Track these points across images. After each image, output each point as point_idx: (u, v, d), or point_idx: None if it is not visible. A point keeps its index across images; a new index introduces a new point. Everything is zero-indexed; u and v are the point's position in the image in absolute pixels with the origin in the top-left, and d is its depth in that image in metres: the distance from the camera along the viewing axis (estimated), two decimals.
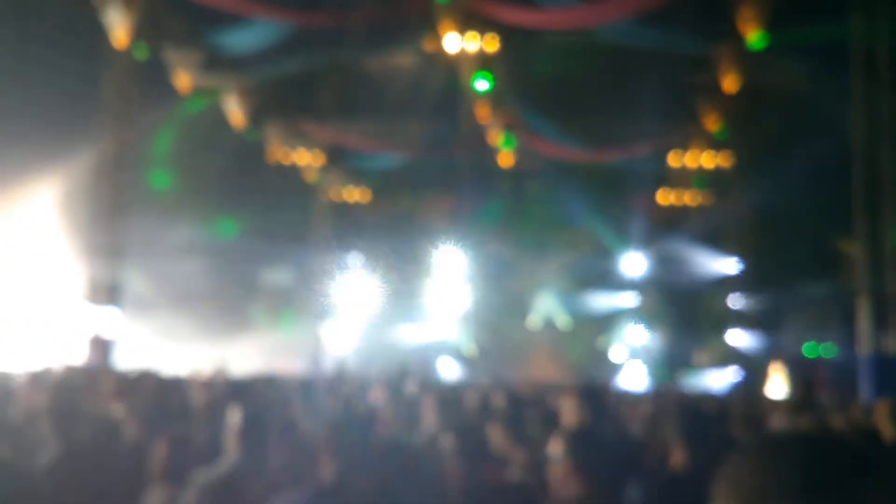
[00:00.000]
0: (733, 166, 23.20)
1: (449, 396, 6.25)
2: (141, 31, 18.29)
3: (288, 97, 22.85)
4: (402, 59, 22.19)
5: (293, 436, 5.21)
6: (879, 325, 16.37)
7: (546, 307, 28.20)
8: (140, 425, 5.96)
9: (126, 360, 16.04)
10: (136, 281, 18.50)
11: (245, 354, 18.36)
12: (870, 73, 17.09)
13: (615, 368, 26.10)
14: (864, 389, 15.26)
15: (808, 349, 19.34)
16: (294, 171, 25.62)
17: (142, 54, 18.59)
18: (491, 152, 24.98)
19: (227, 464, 4.53)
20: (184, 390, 8.14)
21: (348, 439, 3.90)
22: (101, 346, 16.67)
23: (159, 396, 7.75)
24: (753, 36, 18.80)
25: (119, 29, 18.00)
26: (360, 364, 22.43)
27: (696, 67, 21.47)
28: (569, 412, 4.76)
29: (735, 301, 22.21)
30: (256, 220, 22.96)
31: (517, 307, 28.30)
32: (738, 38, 19.25)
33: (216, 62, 20.43)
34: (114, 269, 17.41)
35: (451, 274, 27.09)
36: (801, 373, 16.73)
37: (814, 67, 19.09)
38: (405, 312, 26.87)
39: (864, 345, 16.31)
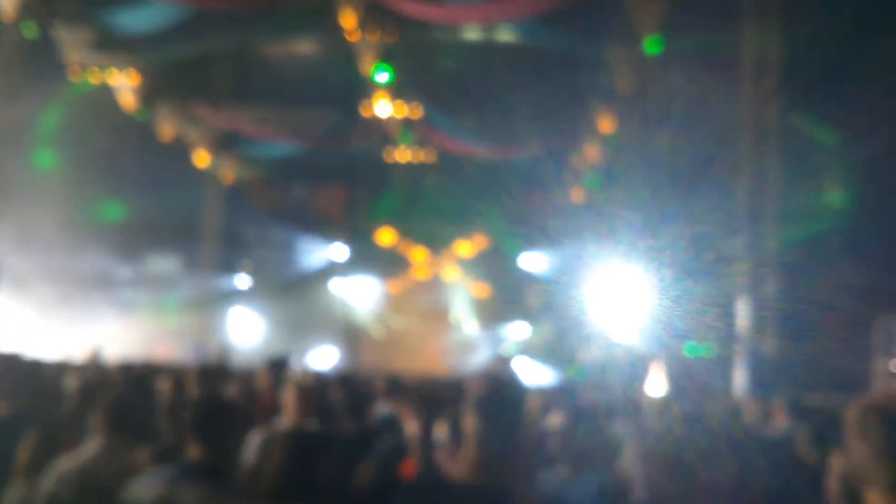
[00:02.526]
0: (624, 168, 23.57)
1: None
2: (30, 8, 17.76)
3: (181, 80, 22.42)
4: (301, 47, 21.98)
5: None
6: (758, 328, 16.91)
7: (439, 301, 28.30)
8: (9, 409, 5.81)
9: (2, 340, 15.60)
10: (16, 261, 17.99)
11: (126, 339, 18.05)
12: (758, 81, 17.60)
13: (505, 364, 26.34)
14: (739, 390, 15.74)
15: (689, 349, 19.76)
16: (185, 155, 25.17)
17: (30, 32, 18.06)
18: (388, 145, 24.93)
19: (91, 449, 4.44)
20: (57, 374, 7.95)
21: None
22: None
23: (29, 380, 7.54)
24: (649, 40, 19.14)
25: (7, 5, 17.44)
26: (255, 352, 22.19)
27: (593, 69, 21.77)
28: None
29: (621, 300, 22.56)
30: (145, 203, 22.47)
31: (410, 300, 28.34)
32: (634, 42, 19.57)
33: (108, 41, 19.92)
34: None
35: (346, 265, 27.05)
36: (680, 371, 17.17)
37: (705, 73, 19.53)
38: (301, 301, 26.68)
39: (742, 346, 16.83)
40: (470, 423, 2.88)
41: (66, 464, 4.32)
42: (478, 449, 2.87)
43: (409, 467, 4.93)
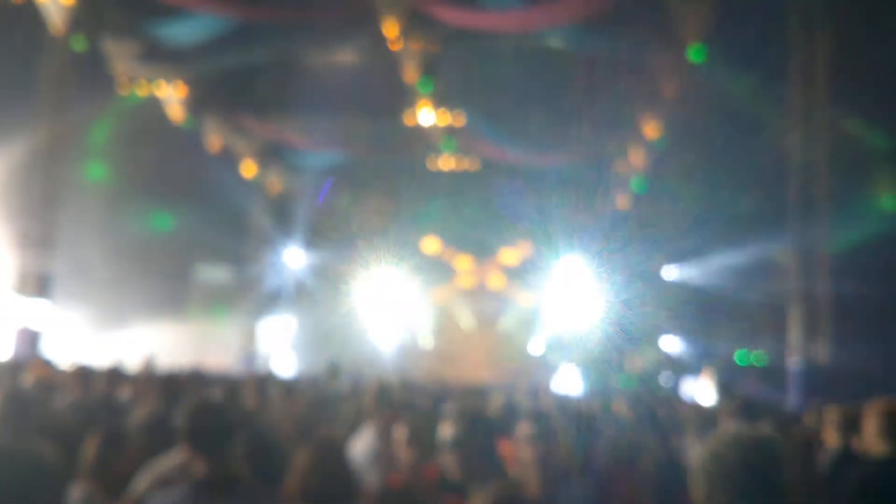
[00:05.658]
0: (672, 173, 23.37)
1: None
2: (79, 21, 17.98)
3: (227, 91, 22.57)
4: (344, 57, 22.04)
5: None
6: (810, 334, 16.64)
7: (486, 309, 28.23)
8: (72, 418, 5.87)
9: (55, 351, 15.73)
10: (69, 273, 18.18)
11: (176, 349, 18.16)
12: (807, 85, 17.41)
13: (551, 371, 26.15)
14: (793, 398, 15.50)
15: (740, 356, 19.54)
16: (232, 165, 25.36)
17: (80, 45, 18.27)
18: (432, 153, 24.97)
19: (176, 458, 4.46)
20: (111, 382, 8.04)
21: None
22: (29, 338, 16.35)
23: (90, 389, 7.64)
24: (694, 47, 18.97)
25: (57, 19, 17.70)
26: (308, 362, 22.27)
27: (637, 74, 21.61)
28: None
29: (669, 307, 22.36)
30: (193, 213, 22.62)
31: (456, 309, 28.33)
32: (679, 48, 19.39)
33: (155, 54, 20.10)
34: (45, 261, 17.09)
35: (393, 274, 27.02)
36: (730, 380, 16.96)
37: (753, 78, 19.33)
38: (349, 311, 26.71)
39: (795, 353, 16.58)
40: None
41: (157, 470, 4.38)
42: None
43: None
